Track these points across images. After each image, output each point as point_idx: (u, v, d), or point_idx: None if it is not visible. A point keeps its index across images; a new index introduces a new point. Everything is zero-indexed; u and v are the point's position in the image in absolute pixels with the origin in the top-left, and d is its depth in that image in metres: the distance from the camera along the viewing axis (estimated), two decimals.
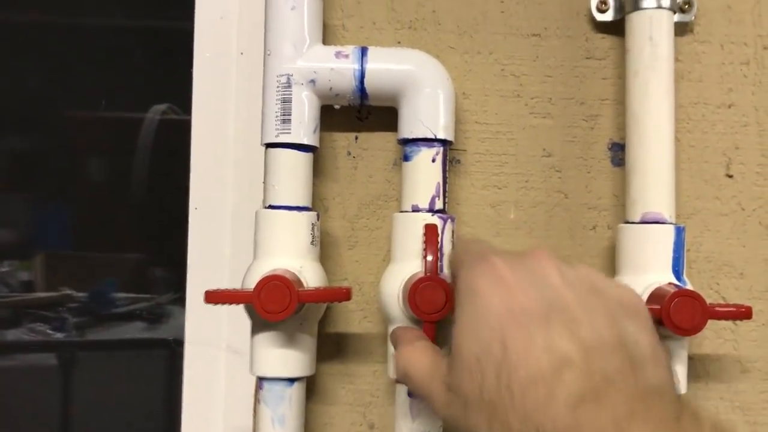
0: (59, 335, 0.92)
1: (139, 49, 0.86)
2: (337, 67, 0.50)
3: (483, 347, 0.32)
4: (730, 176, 0.54)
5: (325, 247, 0.53)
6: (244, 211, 0.65)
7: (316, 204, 0.53)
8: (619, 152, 0.54)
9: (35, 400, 0.90)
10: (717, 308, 0.45)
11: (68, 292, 0.93)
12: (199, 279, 0.66)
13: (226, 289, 0.47)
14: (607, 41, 0.54)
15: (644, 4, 0.50)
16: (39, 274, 0.93)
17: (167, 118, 0.84)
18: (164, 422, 0.91)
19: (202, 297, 0.71)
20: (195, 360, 0.68)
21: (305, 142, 0.50)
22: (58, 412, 0.90)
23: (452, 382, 0.34)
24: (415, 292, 0.44)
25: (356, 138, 0.54)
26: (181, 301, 0.95)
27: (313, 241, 0.50)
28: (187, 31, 0.67)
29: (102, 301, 0.94)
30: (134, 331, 0.93)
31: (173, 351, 0.92)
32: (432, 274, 0.45)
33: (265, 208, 0.50)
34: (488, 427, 0.31)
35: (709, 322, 0.52)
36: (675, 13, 0.51)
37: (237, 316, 0.64)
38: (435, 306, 0.44)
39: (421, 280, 0.44)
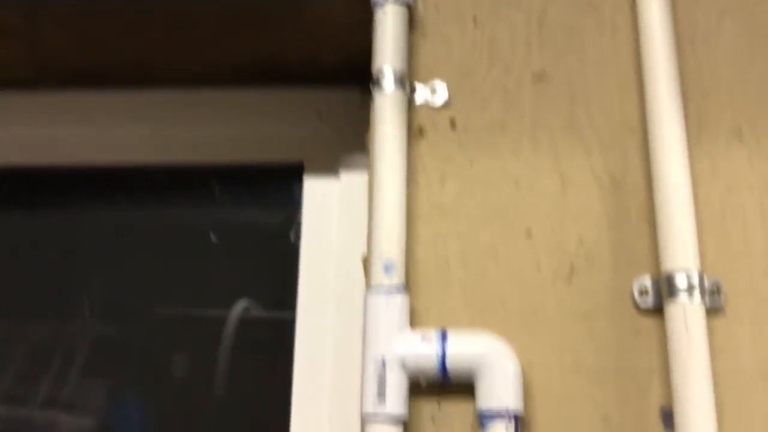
0: None
1: (225, 246, 0.94)
2: (422, 350, 0.60)
3: None
4: None
5: None
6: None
7: None
8: (668, 419, 0.62)
9: None
10: None
11: None
12: None
13: None
14: (649, 321, 0.64)
15: (680, 298, 0.60)
16: None
17: (248, 316, 0.90)
18: None
19: None
20: None
21: (397, 413, 0.59)
22: None
23: None
24: None
25: (439, 406, 0.64)
26: None
27: None
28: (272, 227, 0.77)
29: None
30: None
31: None
32: None
33: None
34: None
35: None
36: (706, 304, 0.60)
37: None
38: None
39: None
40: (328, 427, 0.77)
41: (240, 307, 0.92)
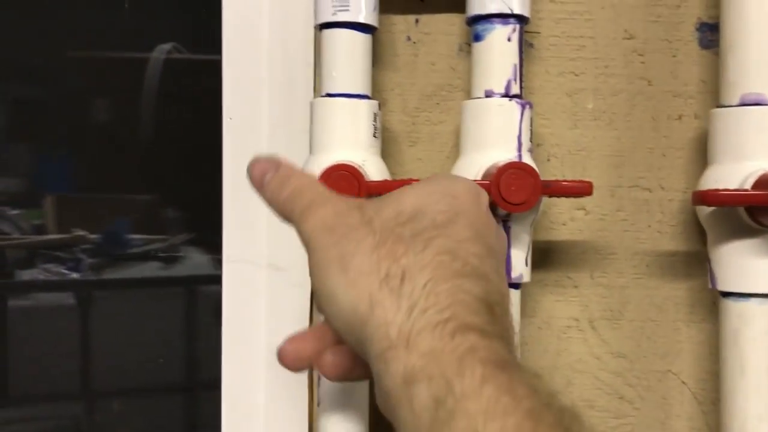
0: (74, 275, 0.90)
1: None
2: None
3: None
4: None
5: (384, 144, 0.48)
6: (280, 118, 0.59)
7: (373, 96, 0.48)
8: (708, 33, 0.49)
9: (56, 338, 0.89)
10: None
11: (81, 233, 0.91)
12: (235, 194, 0.61)
13: None
14: None
15: None
16: (50, 217, 0.91)
17: (173, 58, 0.83)
18: (183, 358, 0.90)
19: (238, 213, 0.66)
20: (234, 279, 0.64)
21: (365, 21, 0.44)
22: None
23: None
24: (499, 178, 0.39)
25: (417, 21, 0.49)
26: (193, 241, 0.94)
27: (375, 133, 0.45)
28: None
29: (116, 242, 0.92)
30: (149, 271, 0.91)
31: (190, 289, 0.91)
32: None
33: (322, 96, 0.45)
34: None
35: None
36: None
37: (277, 229, 0.59)
38: (524, 194, 0.39)
39: (508, 166, 0.39)
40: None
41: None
